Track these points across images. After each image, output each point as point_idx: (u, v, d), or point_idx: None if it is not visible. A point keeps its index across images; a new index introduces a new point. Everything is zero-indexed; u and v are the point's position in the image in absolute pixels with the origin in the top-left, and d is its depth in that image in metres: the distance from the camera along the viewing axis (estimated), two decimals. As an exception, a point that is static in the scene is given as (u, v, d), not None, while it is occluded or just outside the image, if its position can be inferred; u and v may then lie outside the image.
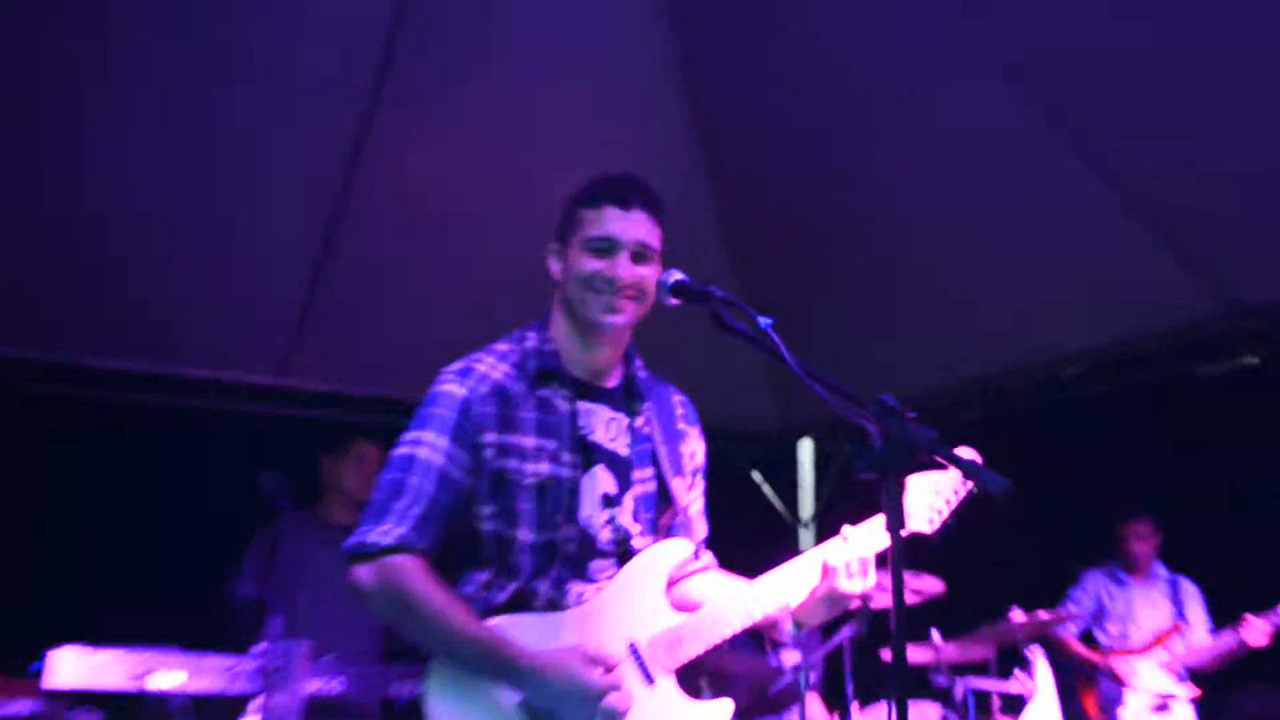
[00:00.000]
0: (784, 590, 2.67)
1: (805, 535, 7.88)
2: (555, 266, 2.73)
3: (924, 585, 4.96)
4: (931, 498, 2.78)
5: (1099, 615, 6.47)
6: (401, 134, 5.30)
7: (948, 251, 5.64)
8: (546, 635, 2.54)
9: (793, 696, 4.83)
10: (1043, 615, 5.44)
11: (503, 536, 2.58)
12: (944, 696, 5.12)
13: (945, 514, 2.78)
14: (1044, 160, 5.01)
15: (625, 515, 2.69)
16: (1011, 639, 5.34)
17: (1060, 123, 4.88)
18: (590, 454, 2.66)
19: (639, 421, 2.76)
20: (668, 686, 2.60)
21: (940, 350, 6.27)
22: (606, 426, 2.72)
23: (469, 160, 5.49)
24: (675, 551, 2.71)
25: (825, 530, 7.91)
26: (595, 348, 2.72)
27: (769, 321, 2.47)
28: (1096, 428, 6.53)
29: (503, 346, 2.72)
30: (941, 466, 2.27)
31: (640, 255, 2.66)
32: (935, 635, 5.15)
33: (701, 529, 2.88)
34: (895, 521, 2.27)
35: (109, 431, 6.27)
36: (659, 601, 2.64)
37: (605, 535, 2.66)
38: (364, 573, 2.50)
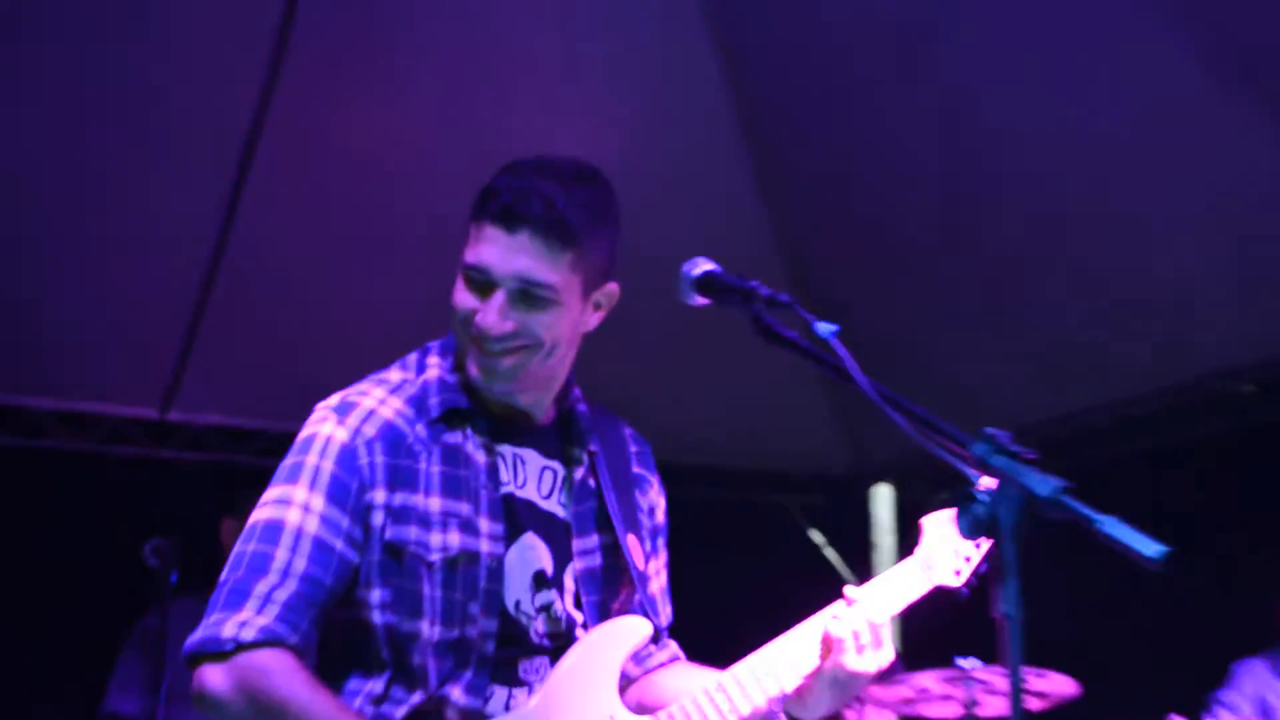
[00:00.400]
0: (774, 677, 2.67)
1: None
2: None
3: (1050, 686, 4.93)
4: (956, 542, 2.83)
5: (1265, 721, 6.42)
6: (297, 128, 5.80)
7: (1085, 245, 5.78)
8: None
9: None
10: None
11: (399, 632, 2.54)
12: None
13: (976, 562, 2.83)
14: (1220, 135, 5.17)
15: (567, 599, 2.68)
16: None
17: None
18: (517, 518, 2.65)
19: (578, 472, 2.75)
20: None
21: (1060, 369, 6.34)
22: (538, 479, 2.71)
23: (378, 148, 5.96)
24: (629, 634, 2.68)
25: (911, 610, 7.89)
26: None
27: (832, 329, 2.44)
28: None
29: (394, 375, 2.70)
30: (1080, 529, 2.22)
31: (525, 296, 2.59)
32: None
33: (666, 612, 2.88)
34: (1014, 607, 2.24)
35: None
36: (611, 702, 2.62)
37: (539, 627, 2.65)
38: (213, 677, 2.47)
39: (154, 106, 5.80)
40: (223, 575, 2.55)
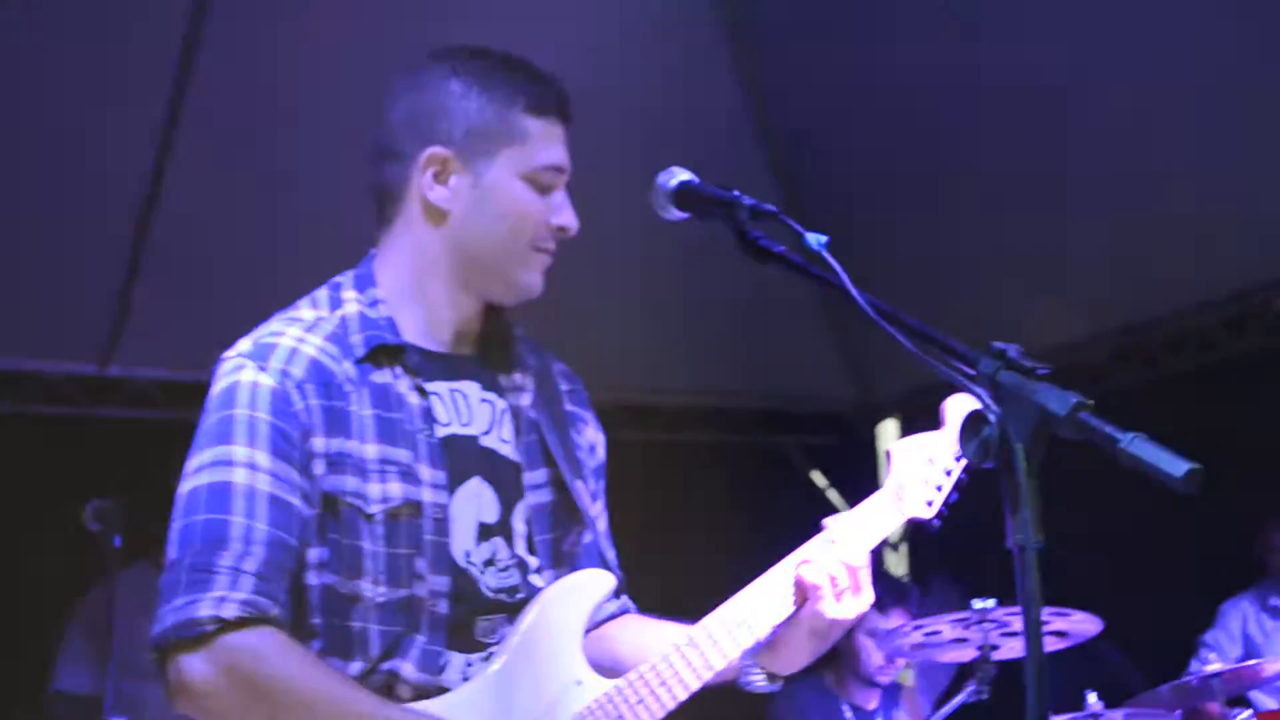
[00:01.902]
0: (747, 628, 2.63)
1: (893, 559, 7.88)
2: (436, 190, 2.63)
3: (1074, 625, 4.93)
4: (926, 469, 2.80)
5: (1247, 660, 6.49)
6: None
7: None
8: None
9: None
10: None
11: (338, 594, 2.52)
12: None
13: (946, 491, 2.81)
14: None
15: (518, 543, 2.66)
16: (1209, 700, 5.35)
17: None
18: (459, 463, 2.61)
19: (524, 400, 2.73)
20: None
21: (1081, 287, 6.43)
22: (479, 415, 2.67)
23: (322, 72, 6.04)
24: (591, 590, 2.65)
25: (920, 552, 7.93)
26: (466, 311, 2.68)
27: (822, 240, 2.41)
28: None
29: (307, 313, 2.64)
30: (1100, 448, 2.19)
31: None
32: (1093, 700, 5.14)
33: (610, 554, 2.83)
34: (1026, 535, 2.22)
35: None
36: (577, 666, 2.60)
37: (491, 580, 2.62)
38: (195, 666, 2.40)
39: (83, 45, 5.79)
40: (172, 553, 2.48)
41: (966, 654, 4.95)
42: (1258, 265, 6.33)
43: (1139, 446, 2.16)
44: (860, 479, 7.85)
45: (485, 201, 2.62)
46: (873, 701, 6.07)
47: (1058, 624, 4.84)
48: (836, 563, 2.62)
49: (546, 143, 2.64)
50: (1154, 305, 6.73)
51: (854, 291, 2.36)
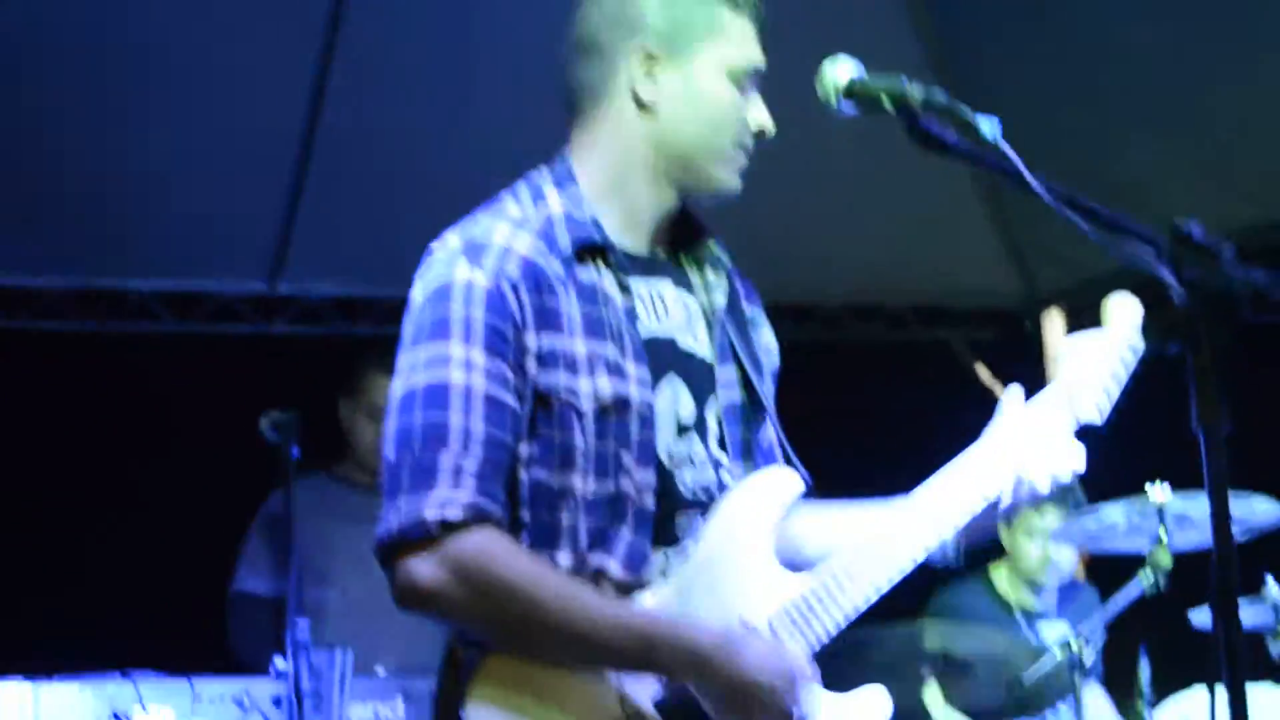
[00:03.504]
0: (957, 509, 2.65)
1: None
2: (645, 86, 2.66)
3: (1252, 512, 4.84)
4: (1095, 372, 2.75)
5: None
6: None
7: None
8: None
9: (1060, 688, 4.79)
10: None
11: (547, 488, 2.56)
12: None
13: (1114, 395, 2.78)
14: None
15: (711, 441, 2.70)
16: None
17: None
18: (659, 360, 2.65)
19: (716, 299, 2.76)
20: None
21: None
22: (676, 314, 2.71)
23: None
24: (783, 489, 2.67)
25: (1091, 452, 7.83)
26: (664, 208, 2.72)
27: (997, 126, 2.39)
28: None
29: (513, 209, 2.66)
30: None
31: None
32: (1274, 585, 5.07)
33: (793, 454, 2.85)
34: (1212, 417, 2.20)
35: (38, 374, 6.42)
36: (770, 563, 2.62)
37: (689, 477, 2.66)
38: (424, 569, 2.44)
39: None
40: (389, 454, 2.52)
41: (1139, 543, 4.85)
42: None
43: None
44: (1026, 374, 7.78)
45: (693, 99, 2.66)
46: (1045, 603, 5.96)
47: (1240, 511, 4.76)
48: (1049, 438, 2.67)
49: (748, 42, 2.69)
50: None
51: (1030, 178, 2.36)
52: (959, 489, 2.66)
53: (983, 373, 7.95)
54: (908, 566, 2.64)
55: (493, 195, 2.75)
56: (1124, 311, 2.76)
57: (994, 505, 2.67)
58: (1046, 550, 5.78)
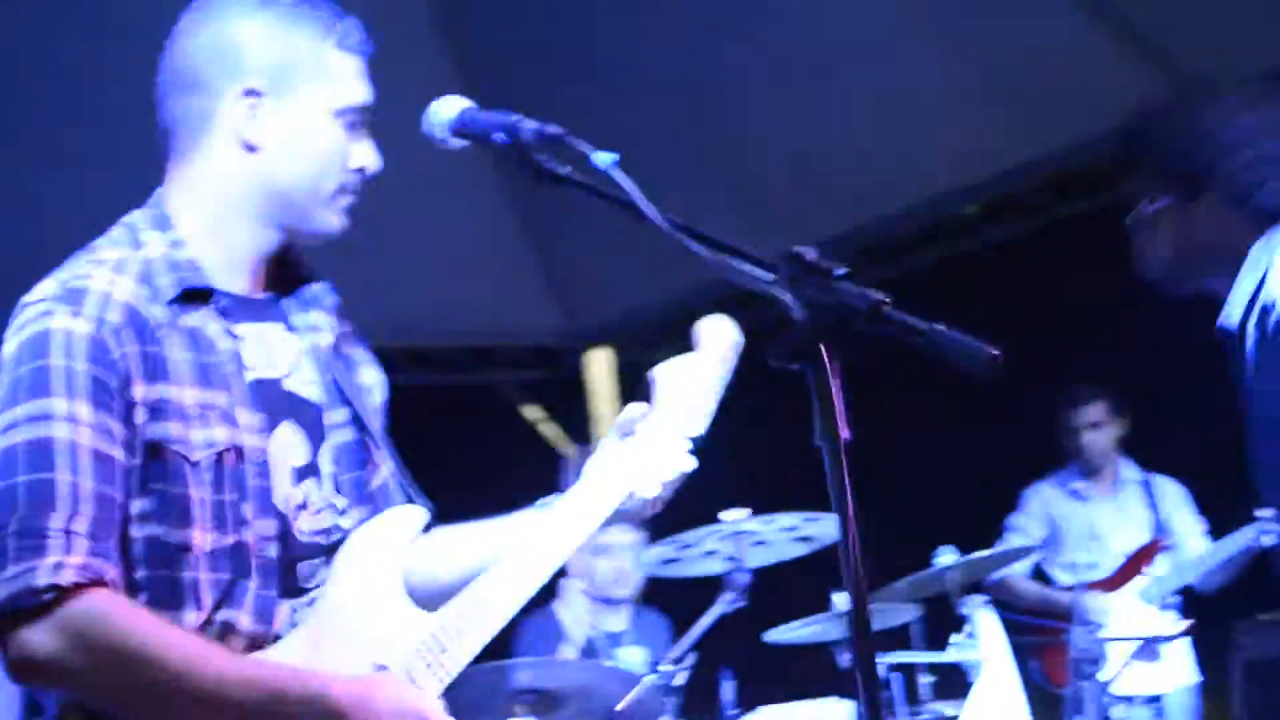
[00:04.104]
0: (581, 525, 2.70)
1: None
2: (248, 126, 2.58)
3: (815, 529, 5.02)
4: (697, 390, 2.83)
5: (1053, 543, 6.77)
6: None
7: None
8: None
9: (652, 713, 4.86)
10: (981, 555, 5.63)
11: (164, 544, 2.45)
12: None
13: (712, 409, 2.86)
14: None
15: (327, 484, 2.65)
16: (941, 593, 5.50)
17: None
18: (271, 405, 2.59)
19: (321, 339, 2.71)
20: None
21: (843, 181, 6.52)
22: (280, 356, 2.65)
23: None
24: (405, 526, 2.67)
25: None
26: (267, 249, 2.65)
27: (612, 159, 2.42)
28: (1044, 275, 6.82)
29: (110, 254, 2.54)
30: (907, 341, 2.27)
31: None
32: (837, 599, 5.25)
33: (412, 489, 2.83)
34: (830, 430, 2.28)
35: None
36: (400, 603, 2.61)
37: (306, 523, 2.60)
38: (36, 640, 2.32)
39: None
40: None
41: (717, 566, 4.97)
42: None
43: (939, 336, 2.26)
44: (576, 410, 7.91)
45: (296, 139, 2.58)
46: (620, 623, 6.04)
47: (806, 529, 4.94)
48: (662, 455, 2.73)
49: (354, 80, 2.62)
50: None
51: (646, 207, 2.39)
52: (582, 506, 2.70)
53: (531, 413, 8.05)
54: (534, 588, 2.65)
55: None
56: (715, 332, 2.84)
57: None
58: (619, 564, 5.87)
